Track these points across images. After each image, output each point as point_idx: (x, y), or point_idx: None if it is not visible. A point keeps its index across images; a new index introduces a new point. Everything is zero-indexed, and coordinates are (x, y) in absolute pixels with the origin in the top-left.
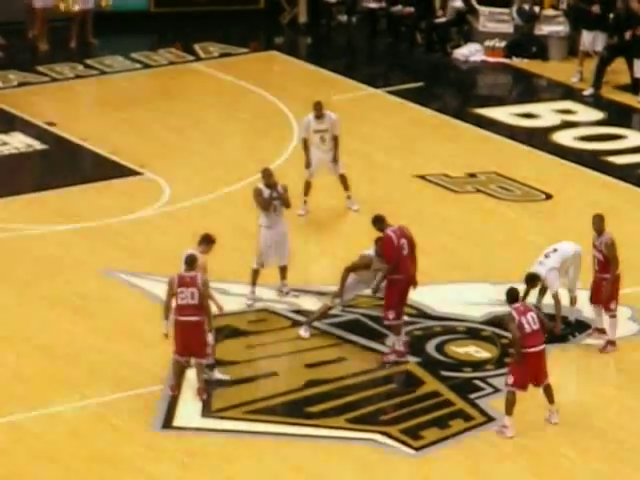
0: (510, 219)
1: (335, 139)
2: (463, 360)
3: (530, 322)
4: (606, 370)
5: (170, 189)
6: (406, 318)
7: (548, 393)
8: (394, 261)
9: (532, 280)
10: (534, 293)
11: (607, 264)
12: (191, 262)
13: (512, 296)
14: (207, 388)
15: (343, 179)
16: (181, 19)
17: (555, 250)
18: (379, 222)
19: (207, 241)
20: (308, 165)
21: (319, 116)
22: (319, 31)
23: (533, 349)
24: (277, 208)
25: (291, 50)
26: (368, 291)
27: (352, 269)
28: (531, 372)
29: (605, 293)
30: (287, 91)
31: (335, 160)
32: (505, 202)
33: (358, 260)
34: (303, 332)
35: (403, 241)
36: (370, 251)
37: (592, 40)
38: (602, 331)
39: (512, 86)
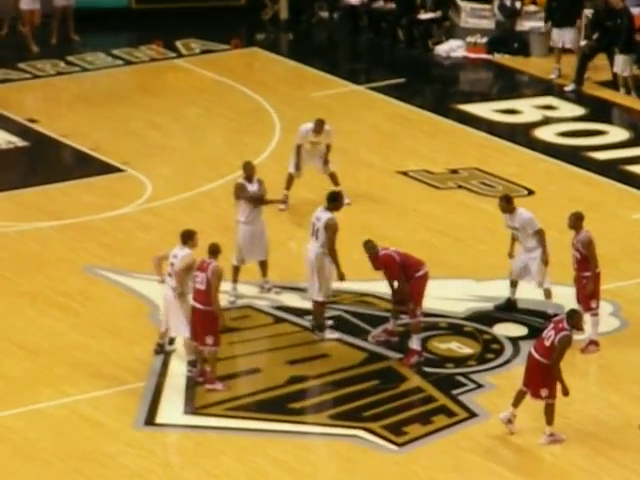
0: (492, 215)
1: (328, 146)
2: (445, 356)
3: (547, 335)
4: (588, 366)
5: (152, 186)
6: (389, 314)
7: (545, 412)
8: (402, 275)
9: (507, 201)
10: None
11: (585, 262)
12: (212, 251)
13: (568, 315)
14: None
15: (333, 177)
16: (162, 16)
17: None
18: (371, 246)
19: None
20: (298, 168)
21: (318, 132)
22: (300, 27)
23: (531, 348)
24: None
25: (272, 46)
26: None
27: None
28: (525, 369)
29: (586, 291)
30: (269, 87)
31: (326, 162)
32: (487, 198)
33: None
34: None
35: (394, 248)
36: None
37: (561, 36)
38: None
39: (493, 82)
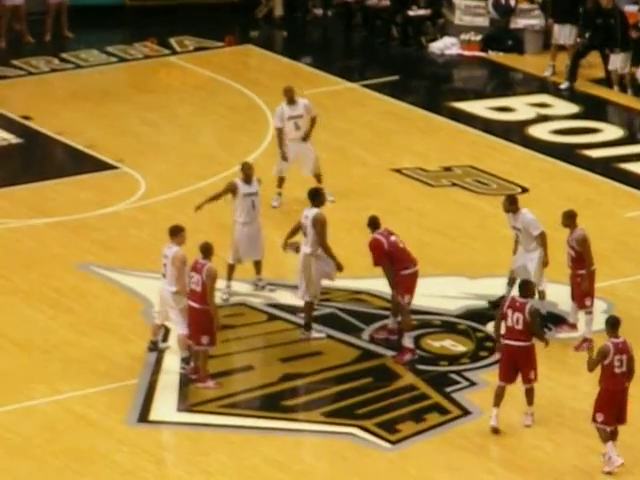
0: (486, 213)
1: (313, 119)
2: (439, 354)
3: (514, 320)
4: (581, 363)
5: (145, 183)
6: (383, 312)
7: (527, 395)
8: (383, 263)
9: (511, 202)
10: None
11: (580, 260)
12: (204, 251)
13: (520, 288)
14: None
15: (318, 177)
16: (156, 13)
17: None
18: (369, 223)
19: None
20: (285, 158)
21: (291, 102)
22: (295, 25)
23: (506, 341)
24: (255, 204)
25: (266, 44)
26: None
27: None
28: (507, 364)
29: (581, 290)
30: (262, 85)
31: (305, 138)
32: (481, 196)
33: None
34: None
35: (394, 238)
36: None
37: (565, 33)
38: (573, 326)
39: (488, 80)
